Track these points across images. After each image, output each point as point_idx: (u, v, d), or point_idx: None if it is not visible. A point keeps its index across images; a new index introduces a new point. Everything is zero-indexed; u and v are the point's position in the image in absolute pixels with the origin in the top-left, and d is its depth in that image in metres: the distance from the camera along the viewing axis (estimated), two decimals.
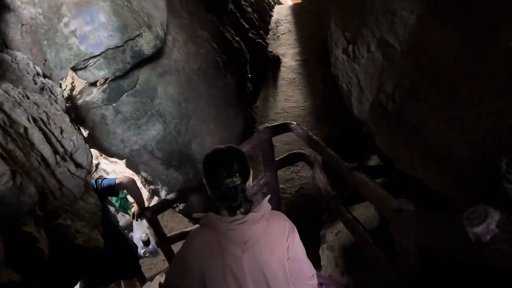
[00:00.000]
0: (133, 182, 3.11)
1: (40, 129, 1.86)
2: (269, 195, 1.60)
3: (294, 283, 1.56)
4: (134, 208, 3.55)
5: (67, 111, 2.57)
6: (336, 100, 5.60)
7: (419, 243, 1.40)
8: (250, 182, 1.49)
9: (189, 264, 1.43)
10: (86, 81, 3.65)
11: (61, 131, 2.10)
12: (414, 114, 1.41)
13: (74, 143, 2.15)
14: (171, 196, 3.79)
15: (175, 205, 4.62)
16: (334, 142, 4.48)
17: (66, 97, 3.74)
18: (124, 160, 4.17)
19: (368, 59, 1.49)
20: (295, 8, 9.09)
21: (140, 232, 3.85)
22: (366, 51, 1.48)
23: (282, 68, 7.08)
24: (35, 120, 1.85)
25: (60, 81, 3.08)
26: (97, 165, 7.93)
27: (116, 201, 5.24)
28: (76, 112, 3.76)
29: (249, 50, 6.33)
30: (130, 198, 5.29)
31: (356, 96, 1.66)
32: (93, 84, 3.73)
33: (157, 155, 4.20)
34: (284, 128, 3.79)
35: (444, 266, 1.62)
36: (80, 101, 3.67)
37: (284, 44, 7.82)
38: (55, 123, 2.09)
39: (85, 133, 3.93)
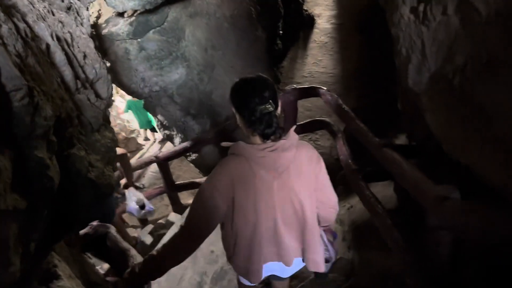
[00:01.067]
0: (125, 154, 3.38)
1: (63, 49, 1.70)
2: (295, 125, 1.59)
3: (319, 208, 1.63)
4: (123, 180, 3.91)
5: (92, 37, 2.39)
6: (367, 71, 5.34)
7: (464, 235, 1.26)
8: (278, 111, 1.47)
9: (221, 191, 1.45)
10: (114, 10, 3.45)
11: (84, 56, 1.94)
12: (485, 94, 1.23)
13: (96, 71, 2.00)
14: (185, 144, 3.70)
15: (188, 153, 4.54)
16: (360, 115, 4.25)
17: (91, 24, 3.55)
18: (142, 100, 4.04)
19: (440, 23, 1.29)
20: None
21: (133, 200, 4.13)
22: (440, 13, 1.28)
23: (315, 30, 6.71)
24: (58, 39, 1.69)
25: (88, 5, 2.88)
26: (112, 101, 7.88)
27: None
28: (99, 42, 3.59)
29: (284, 5, 5.98)
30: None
31: (416, 64, 1.47)
32: (121, 15, 3.53)
33: (176, 100, 4.06)
34: (312, 92, 3.60)
35: (477, 263, 1.49)
36: (105, 31, 3.48)
37: (321, 4, 7.37)
38: (78, 47, 1.92)
39: (107, 64, 3.78)
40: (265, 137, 1.43)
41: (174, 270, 3.67)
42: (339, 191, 3.88)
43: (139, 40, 3.65)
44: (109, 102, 2.20)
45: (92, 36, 2.46)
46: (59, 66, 1.58)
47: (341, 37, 6.43)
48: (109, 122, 2.02)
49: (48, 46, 1.53)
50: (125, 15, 3.50)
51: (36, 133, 1.10)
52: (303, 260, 1.71)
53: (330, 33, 6.61)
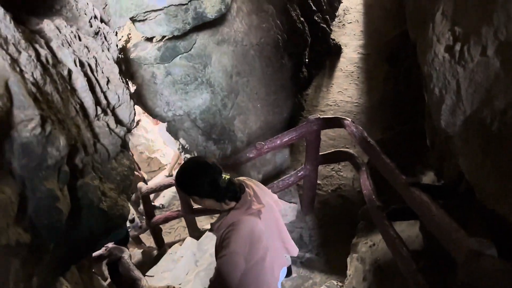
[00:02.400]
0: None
1: (86, 75, 1.69)
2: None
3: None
4: None
5: (118, 62, 2.40)
6: (394, 102, 5.22)
7: None
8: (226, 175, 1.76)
9: (241, 262, 1.66)
10: (142, 35, 3.51)
11: (108, 81, 1.94)
12: None
13: (119, 97, 2.00)
14: None
15: None
16: (385, 147, 4.12)
17: (120, 48, 3.63)
18: (166, 123, 4.05)
19: (478, 64, 1.20)
20: None
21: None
22: (479, 54, 1.19)
23: (341, 59, 6.69)
24: (82, 65, 1.69)
25: (117, 30, 2.94)
26: (138, 121, 8.01)
27: None
28: (127, 65, 3.65)
29: (312, 34, 5.99)
30: None
31: (450, 105, 1.37)
32: (149, 39, 3.59)
33: (199, 124, 4.05)
34: (336, 122, 3.51)
35: None
36: (133, 55, 3.55)
37: (349, 34, 7.37)
38: (102, 72, 1.93)
39: (132, 88, 3.83)
40: (236, 200, 1.74)
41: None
42: (361, 226, 3.72)
43: (166, 65, 3.69)
44: (130, 127, 2.18)
45: (119, 60, 2.48)
46: (80, 92, 1.57)
47: (368, 67, 6.37)
48: (128, 149, 1.99)
49: (70, 72, 1.53)
50: (154, 40, 3.56)
51: (47, 164, 1.06)
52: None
53: (357, 62, 6.56)
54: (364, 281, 3.13)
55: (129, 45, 3.62)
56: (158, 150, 9.16)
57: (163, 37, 3.50)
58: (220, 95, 4.07)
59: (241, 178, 1.93)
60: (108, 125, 1.74)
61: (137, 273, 2.48)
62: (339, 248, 3.87)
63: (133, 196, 5.38)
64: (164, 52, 3.55)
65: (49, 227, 1.10)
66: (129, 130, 2.16)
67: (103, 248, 3.65)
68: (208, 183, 1.64)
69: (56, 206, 1.11)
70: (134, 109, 2.24)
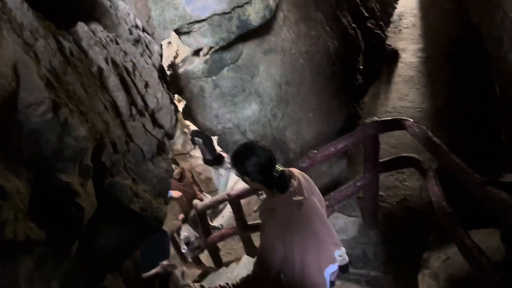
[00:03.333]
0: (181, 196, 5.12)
1: (119, 75, 1.65)
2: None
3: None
4: (181, 215, 5.50)
5: (161, 70, 2.38)
6: (459, 104, 4.74)
7: None
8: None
9: (278, 246, 1.77)
10: (189, 49, 3.54)
11: (146, 85, 1.90)
12: None
13: (158, 101, 1.94)
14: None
15: (260, 192, 4.33)
16: (454, 151, 3.72)
17: (169, 64, 3.68)
18: (216, 137, 4.02)
19: None
20: (423, 2, 8.07)
21: (185, 233, 5.40)
22: None
23: (399, 64, 6.29)
24: (115, 65, 1.65)
25: (160, 42, 2.96)
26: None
27: None
28: (176, 81, 3.69)
29: (365, 41, 5.72)
30: None
31: None
32: (196, 53, 3.61)
33: (249, 136, 3.95)
34: (396, 124, 3.21)
35: None
36: (181, 70, 3.58)
37: (406, 39, 6.96)
38: (141, 76, 1.89)
39: (182, 104, 3.86)
40: (283, 191, 1.79)
41: None
42: (432, 239, 3.31)
43: (213, 78, 3.67)
44: (171, 133, 2.11)
45: (161, 68, 2.46)
46: (112, 90, 1.52)
47: (429, 71, 5.91)
48: (167, 153, 1.91)
49: (100, 70, 1.48)
50: (201, 53, 3.57)
51: (64, 155, 0.97)
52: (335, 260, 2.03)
53: (416, 66, 6.13)
54: None
55: (177, 60, 3.67)
56: None
57: (210, 49, 3.50)
58: (269, 106, 3.96)
59: (291, 168, 1.99)
60: (144, 126, 1.68)
61: None
62: (408, 264, 3.47)
63: (191, 213, 5.38)
64: (211, 65, 3.54)
65: (68, 226, 1.00)
66: (170, 137, 2.10)
67: (159, 266, 3.62)
68: (259, 166, 1.71)
69: (75, 202, 1.01)
70: (176, 116, 2.19)
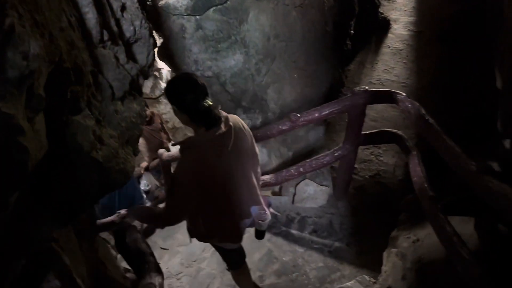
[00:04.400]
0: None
1: None
2: (219, 106, 1.86)
3: (254, 168, 2.17)
4: (144, 163, 5.11)
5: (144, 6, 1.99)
6: (448, 84, 4.63)
7: None
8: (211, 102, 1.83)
9: (190, 183, 1.80)
10: None
11: (123, 7, 1.55)
12: None
13: (135, 29, 1.61)
14: None
15: None
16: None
17: None
18: None
19: None
20: None
21: (145, 181, 5.24)
22: None
23: (389, 35, 6.06)
24: None
25: None
26: None
27: None
28: (154, 15, 3.27)
29: (359, 4, 5.41)
30: None
31: None
32: None
33: (228, 89, 3.65)
34: (387, 97, 3.02)
35: None
36: (162, 2, 3.15)
37: (399, 9, 6.69)
38: None
39: (159, 41, 3.45)
40: (208, 127, 1.79)
41: (201, 278, 3.21)
42: (403, 218, 3.27)
43: (197, 17, 3.28)
44: (146, 72, 1.80)
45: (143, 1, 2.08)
46: (80, 5, 1.18)
47: (419, 46, 5.74)
48: (140, 93, 1.61)
49: None
50: None
51: (5, 76, 0.66)
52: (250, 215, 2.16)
53: (406, 40, 5.93)
54: (403, 280, 2.72)
55: None
56: None
57: None
58: (254, 58, 3.64)
59: (233, 115, 1.98)
60: (116, 57, 1.36)
61: (145, 246, 2.14)
62: (373, 240, 3.45)
63: (154, 162, 5.11)
64: (197, 2, 3.14)
65: (7, 171, 0.71)
66: (144, 75, 1.78)
67: (115, 215, 3.37)
68: (189, 99, 1.69)
69: (17, 141, 0.71)
70: (153, 52, 1.86)
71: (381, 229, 3.40)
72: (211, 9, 3.24)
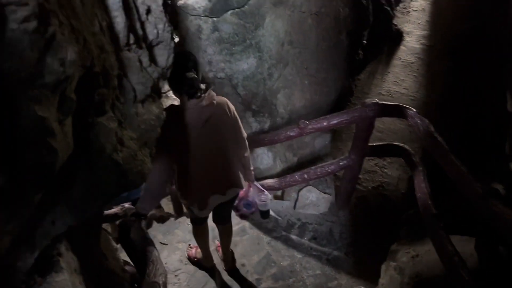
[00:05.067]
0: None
1: None
2: (211, 87, 2.20)
3: (237, 153, 2.44)
4: None
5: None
6: (456, 100, 4.65)
7: None
8: (200, 75, 2.17)
9: (167, 139, 1.93)
10: None
11: (148, 10, 1.58)
12: None
13: (158, 32, 1.64)
14: None
15: None
16: None
17: None
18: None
19: None
20: None
21: None
22: None
23: (401, 47, 6.08)
24: None
25: None
26: None
27: None
28: (172, 15, 3.30)
29: (374, 15, 5.42)
30: None
31: None
32: None
33: (239, 91, 3.69)
34: (397, 111, 3.05)
35: None
36: (181, 2, 3.19)
37: (413, 22, 6.71)
38: None
39: (175, 39, 3.49)
40: (190, 97, 2.05)
41: (199, 276, 3.24)
42: (403, 233, 3.30)
43: (214, 19, 3.31)
44: (166, 74, 1.84)
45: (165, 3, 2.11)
46: (110, 9, 1.21)
47: (430, 60, 5.76)
48: (159, 96, 1.64)
49: None
50: None
51: (43, 80, 0.70)
52: (224, 193, 2.44)
53: (418, 53, 5.95)
54: None
55: None
56: None
57: None
58: (267, 63, 3.67)
59: (220, 97, 2.22)
60: (140, 60, 1.40)
61: (150, 243, 2.18)
62: (372, 251, 3.48)
63: None
64: (215, 4, 3.18)
65: (35, 171, 0.75)
66: (164, 77, 1.82)
67: (119, 207, 3.39)
68: (175, 69, 1.84)
69: (48, 142, 0.75)
70: (173, 54, 1.89)
71: (380, 241, 3.42)
72: (229, 12, 3.27)
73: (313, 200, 3.99)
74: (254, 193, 2.80)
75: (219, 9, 3.21)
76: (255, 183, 2.79)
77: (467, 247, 2.68)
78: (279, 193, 4.27)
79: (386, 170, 4.18)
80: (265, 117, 3.89)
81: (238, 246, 3.73)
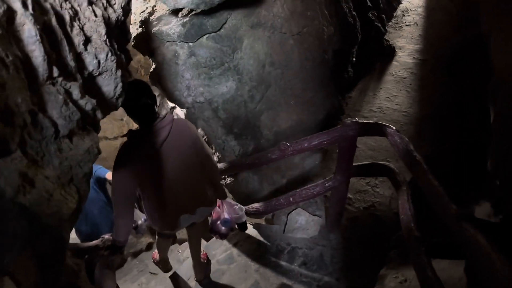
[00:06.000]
0: None
1: (44, 24, 1.29)
2: (174, 113, 2.56)
3: (203, 170, 2.44)
4: None
5: (118, 26, 1.99)
6: (449, 116, 4.53)
7: None
8: (157, 103, 2.23)
9: (127, 175, 2.09)
10: (167, 9, 3.14)
11: (87, 41, 1.54)
12: None
13: (99, 62, 1.60)
14: (220, 165, 3.23)
15: (222, 176, 4.06)
16: (433, 166, 3.51)
17: (142, 20, 3.28)
18: (184, 109, 3.67)
19: None
20: (429, 2, 7.75)
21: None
22: None
23: (394, 62, 6.00)
24: (42, 10, 1.29)
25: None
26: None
27: None
28: (148, 41, 3.30)
29: (363, 32, 5.38)
30: None
31: None
32: (175, 13, 3.21)
33: (220, 115, 3.63)
34: (377, 129, 2.95)
35: None
36: (155, 29, 3.18)
37: (405, 37, 6.65)
38: (82, 29, 1.53)
39: (152, 67, 3.48)
40: (146, 124, 2.12)
41: None
42: (392, 256, 3.14)
43: (190, 44, 3.30)
44: (115, 103, 1.78)
45: (119, 23, 2.08)
46: (26, 43, 1.17)
47: (423, 74, 5.66)
48: (96, 129, 1.58)
49: (11, 13, 1.13)
50: (180, 14, 3.18)
51: None
52: (194, 212, 2.45)
53: (411, 68, 5.87)
54: None
55: (152, 18, 3.27)
56: None
57: (190, 11, 3.11)
58: (248, 85, 3.63)
59: (180, 119, 2.31)
60: (67, 92, 1.34)
61: (110, 283, 2.08)
62: (364, 276, 3.31)
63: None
64: (189, 29, 3.16)
65: None
66: (112, 107, 1.77)
67: (99, 239, 3.30)
68: (128, 98, 1.82)
69: None
70: (121, 83, 1.84)
71: (372, 265, 3.27)
72: (205, 37, 3.26)
73: (303, 224, 3.86)
74: (228, 208, 2.78)
75: (193, 34, 3.19)
76: (227, 199, 2.78)
77: (457, 270, 2.54)
78: (270, 216, 4.15)
79: (378, 189, 4.04)
80: (248, 139, 3.82)
81: (226, 274, 3.60)
